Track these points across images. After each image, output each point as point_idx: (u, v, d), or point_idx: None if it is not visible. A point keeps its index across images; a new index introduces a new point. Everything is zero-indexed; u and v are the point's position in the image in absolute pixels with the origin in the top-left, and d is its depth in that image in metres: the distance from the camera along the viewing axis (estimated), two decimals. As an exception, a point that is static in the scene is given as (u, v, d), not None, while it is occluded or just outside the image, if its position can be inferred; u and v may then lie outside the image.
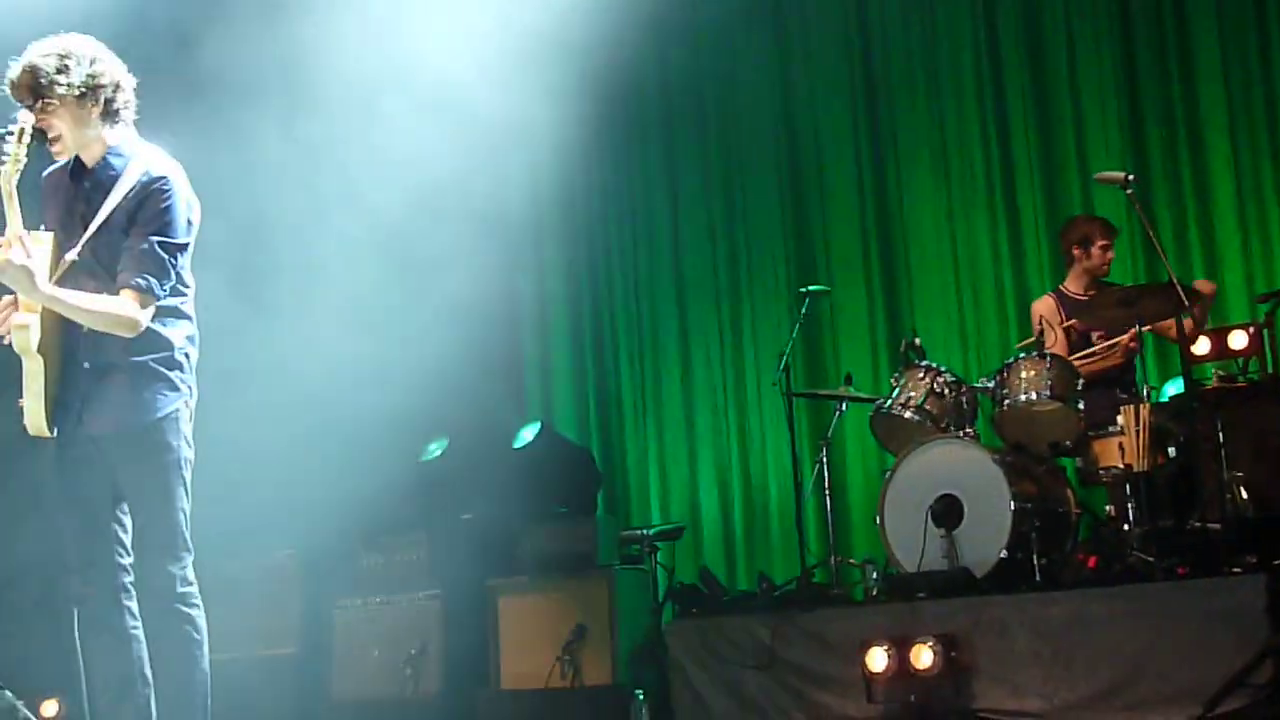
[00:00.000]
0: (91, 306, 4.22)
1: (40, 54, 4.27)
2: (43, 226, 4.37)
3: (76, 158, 4.43)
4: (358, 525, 8.24)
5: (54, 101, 4.25)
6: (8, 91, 4.27)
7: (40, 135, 4.26)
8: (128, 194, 4.32)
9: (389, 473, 8.37)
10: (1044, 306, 7.21)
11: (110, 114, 4.37)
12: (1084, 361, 6.91)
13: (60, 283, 4.22)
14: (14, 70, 4.27)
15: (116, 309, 4.22)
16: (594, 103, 9.19)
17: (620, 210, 9.18)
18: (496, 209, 9.10)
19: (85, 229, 4.30)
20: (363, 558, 8.10)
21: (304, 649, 8.06)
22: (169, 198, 4.32)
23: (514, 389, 9.22)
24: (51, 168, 4.51)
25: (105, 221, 4.31)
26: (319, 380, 7.87)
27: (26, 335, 4.21)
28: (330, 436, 7.95)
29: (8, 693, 3.23)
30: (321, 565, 8.27)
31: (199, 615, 4.33)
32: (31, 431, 4.31)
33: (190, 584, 4.32)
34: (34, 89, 4.24)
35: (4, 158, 4.09)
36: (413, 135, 7.67)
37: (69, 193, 4.43)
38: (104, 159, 4.39)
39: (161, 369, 4.35)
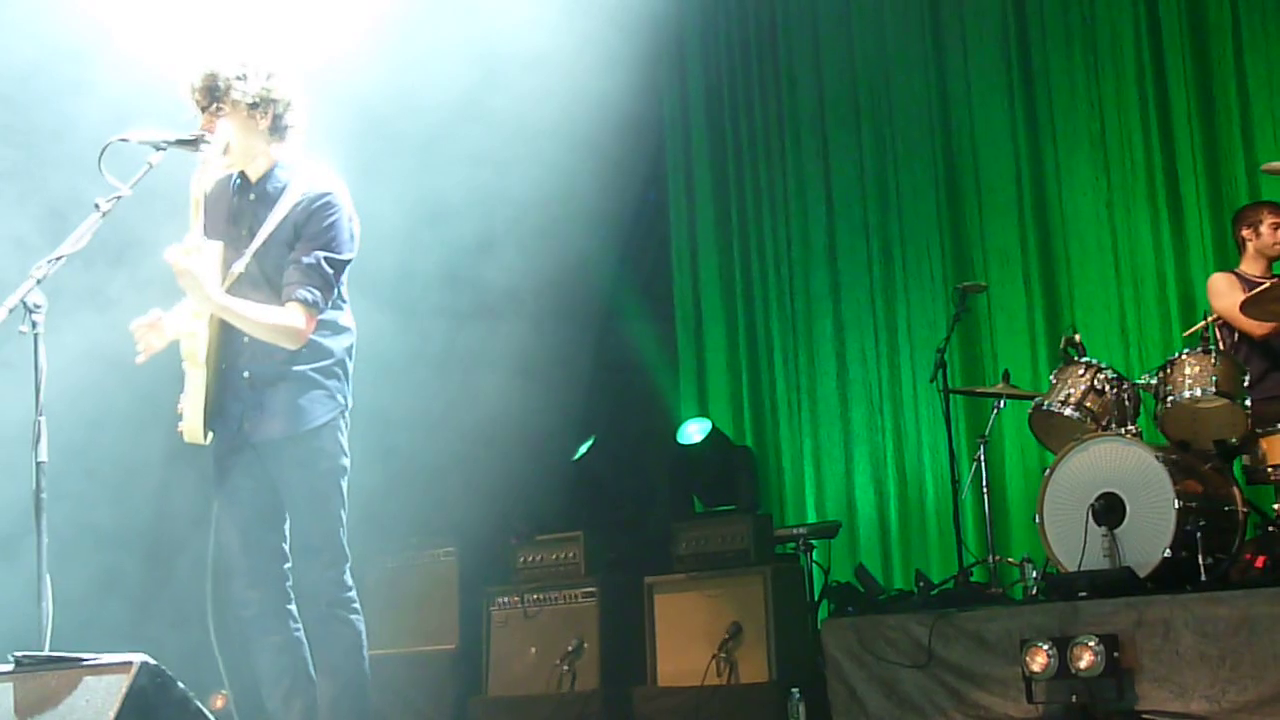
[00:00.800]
0: (259, 317, 4.33)
1: (220, 61, 4.41)
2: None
3: (241, 171, 4.54)
4: (514, 524, 8.36)
5: (226, 106, 4.38)
6: (187, 94, 4.41)
7: (196, 144, 4.39)
8: (293, 209, 4.42)
9: (545, 471, 8.50)
10: (1222, 278, 7.08)
11: (279, 129, 4.50)
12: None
13: (227, 293, 4.34)
14: (194, 73, 4.42)
15: (283, 320, 4.33)
16: (745, 98, 9.25)
17: (774, 207, 9.17)
18: (650, 207, 9.21)
19: (250, 242, 4.41)
20: (519, 556, 8.20)
21: (462, 646, 8.18)
22: (334, 214, 4.43)
23: (669, 387, 9.26)
24: (214, 181, 4.61)
25: (270, 236, 4.41)
26: (473, 379, 8.00)
27: (195, 343, 4.34)
28: (487, 436, 8.07)
29: (180, 684, 3.35)
30: (479, 563, 8.39)
31: (357, 619, 4.42)
32: (187, 438, 4.41)
33: (349, 589, 4.41)
34: (211, 91, 4.38)
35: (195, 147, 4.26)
36: (561, 136, 7.76)
37: (233, 206, 4.54)
38: (269, 173, 4.51)
39: (321, 378, 4.46)
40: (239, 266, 4.39)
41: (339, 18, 6.46)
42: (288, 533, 4.51)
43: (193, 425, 4.38)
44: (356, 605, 4.42)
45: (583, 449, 8.58)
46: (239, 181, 4.56)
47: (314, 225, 4.41)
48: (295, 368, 4.42)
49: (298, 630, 4.49)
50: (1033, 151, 8.43)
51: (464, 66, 7.08)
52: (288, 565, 4.50)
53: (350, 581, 4.41)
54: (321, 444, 4.42)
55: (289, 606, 4.51)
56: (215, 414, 4.41)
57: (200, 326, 4.36)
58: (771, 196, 9.19)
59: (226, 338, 4.42)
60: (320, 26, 6.27)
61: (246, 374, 4.43)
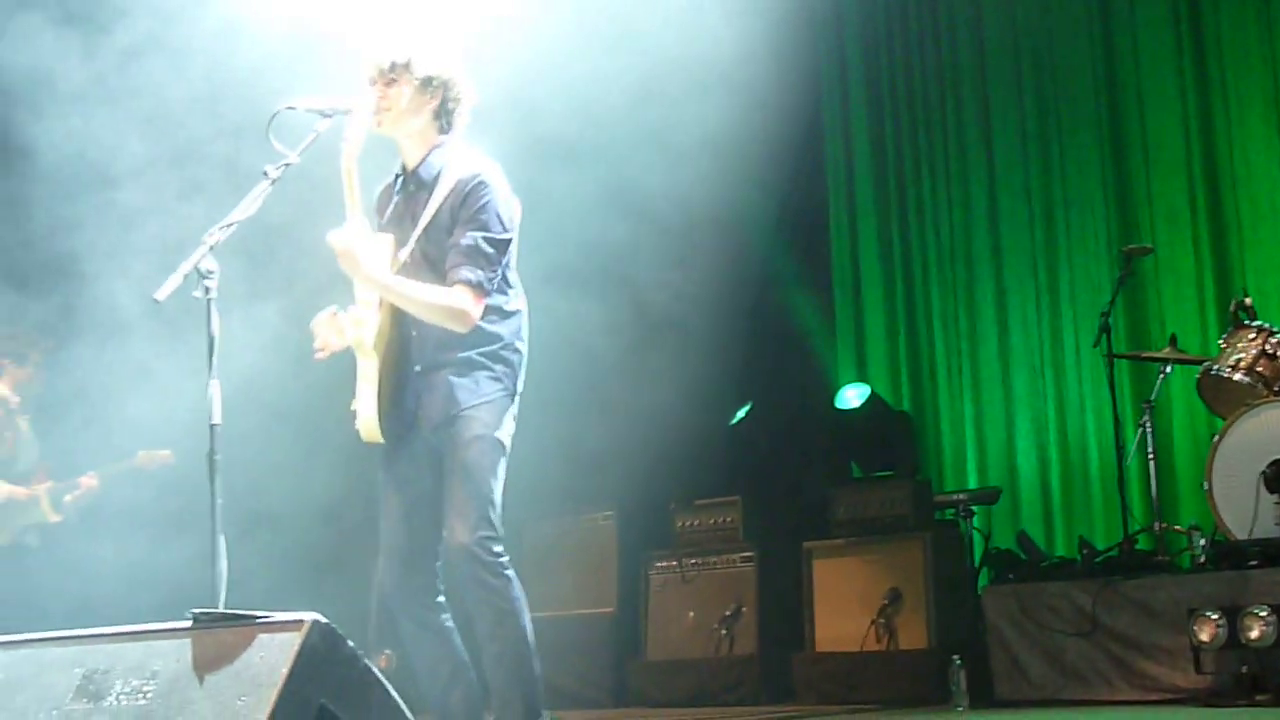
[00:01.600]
0: (424, 297, 4.34)
1: (401, 40, 4.46)
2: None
3: (402, 166, 4.57)
4: (672, 488, 8.38)
5: (400, 77, 4.41)
6: (363, 67, 4.45)
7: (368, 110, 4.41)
8: (449, 194, 4.43)
9: (703, 437, 8.51)
10: None
11: (444, 114, 4.51)
12: None
13: None
14: (373, 44, 4.47)
15: (449, 300, 4.33)
16: (904, 58, 9.11)
17: (934, 170, 9.02)
18: (806, 170, 9.13)
19: (413, 229, 4.44)
20: (677, 520, 8.22)
21: (620, 610, 8.24)
22: (487, 194, 4.41)
23: (826, 352, 9.20)
24: (380, 186, 4.67)
25: (431, 221, 4.43)
26: (631, 346, 8.03)
27: (363, 331, 4.34)
28: (645, 401, 8.10)
29: (350, 642, 3.41)
30: (637, 528, 8.44)
31: (506, 583, 4.35)
32: (364, 437, 4.40)
33: (497, 555, 4.35)
34: (389, 60, 4.41)
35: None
36: (717, 105, 7.73)
37: (395, 198, 4.58)
38: (426, 160, 4.51)
39: (487, 362, 4.45)
40: (404, 254, 4.42)
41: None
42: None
43: (368, 423, 4.37)
44: (509, 571, 4.38)
45: (740, 414, 8.58)
46: (401, 176, 4.59)
47: (469, 208, 4.40)
48: (461, 354, 4.43)
49: (448, 620, 4.52)
50: (1202, 110, 8.17)
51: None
52: (439, 561, 4.51)
53: (500, 550, 4.36)
54: (480, 416, 4.41)
55: (439, 599, 4.52)
56: (390, 410, 4.41)
57: (369, 314, 4.36)
58: (931, 159, 9.04)
59: (397, 333, 4.42)
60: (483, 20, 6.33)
61: (418, 368, 4.44)
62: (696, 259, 8.32)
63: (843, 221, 9.35)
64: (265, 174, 4.19)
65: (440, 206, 4.43)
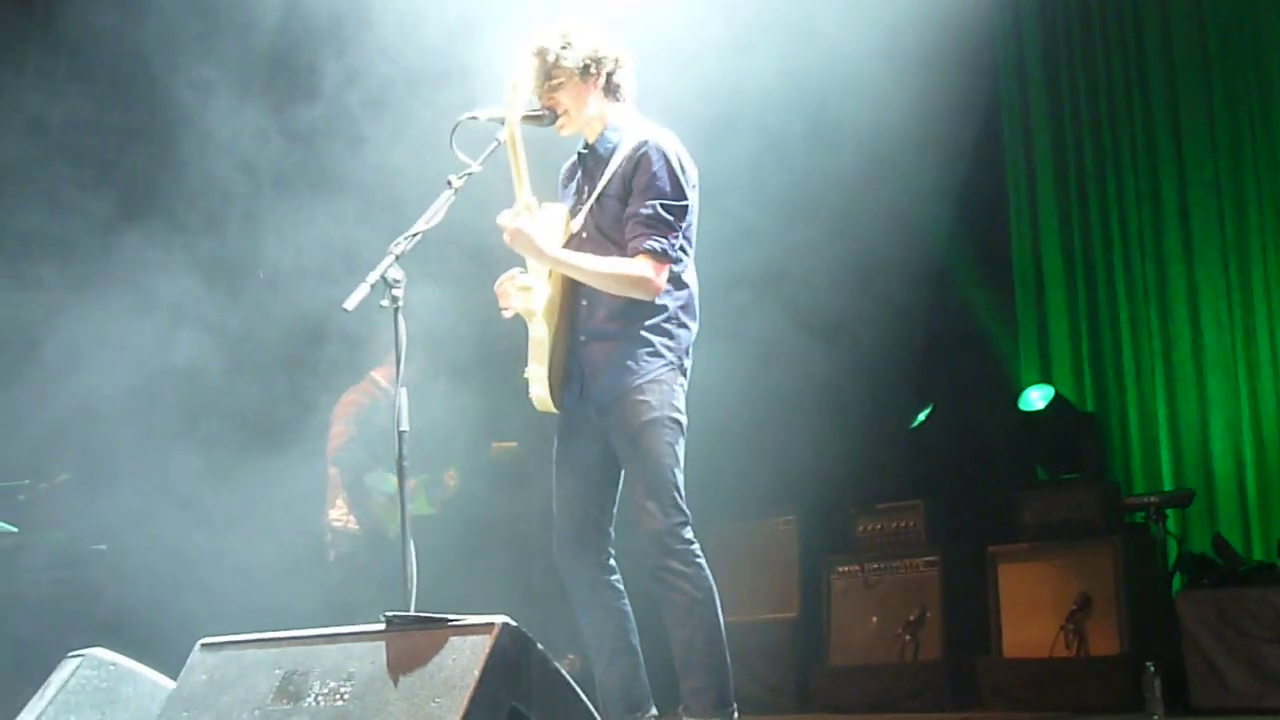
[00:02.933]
0: (603, 269, 4.35)
1: (544, 36, 4.48)
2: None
3: (584, 142, 4.60)
4: (853, 492, 8.31)
5: (560, 79, 4.45)
6: (519, 79, 4.45)
7: (542, 120, 4.48)
8: (622, 162, 4.44)
9: (883, 440, 8.43)
10: None
11: (611, 89, 4.54)
12: None
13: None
14: (523, 55, 4.49)
15: (631, 270, 4.34)
16: (1086, 50, 8.89)
17: (1119, 165, 8.75)
18: (984, 166, 8.97)
19: (586, 202, 4.47)
20: (858, 524, 8.15)
21: (803, 614, 8.19)
22: (659, 161, 4.41)
23: (1009, 353, 9.02)
24: (566, 163, 4.71)
25: (603, 190, 4.45)
26: (809, 348, 7.98)
27: (530, 297, 4.37)
28: (824, 404, 8.05)
29: (539, 645, 3.44)
30: (818, 531, 8.39)
31: (695, 571, 4.31)
32: (538, 407, 4.43)
33: (687, 541, 4.32)
34: (542, 67, 4.44)
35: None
36: (891, 98, 7.64)
37: (576, 172, 4.63)
38: (602, 134, 4.54)
39: (651, 335, 4.43)
40: (575, 225, 4.46)
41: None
42: (617, 501, 4.53)
43: (540, 392, 4.40)
44: (700, 559, 4.33)
45: (921, 416, 8.48)
46: (582, 151, 4.62)
47: (642, 175, 4.40)
48: (626, 326, 4.42)
49: (621, 602, 4.51)
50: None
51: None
52: (612, 537, 4.52)
53: (691, 535, 4.33)
54: (648, 398, 4.38)
55: (611, 578, 4.52)
56: (562, 381, 4.44)
57: (537, 281, 4.39)
58: (1116, 154, 8.75)
59: (568, 302, 4.44)
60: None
61: (583, 338, 4.45)
62: (876, 259, 8.23)
63: (1024, 218, 9.12)
64: (449, 183, 4.23)
65: (612, 176, 4.45)
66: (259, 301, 7.31)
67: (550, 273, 4.41)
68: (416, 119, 6.46)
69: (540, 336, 4.40)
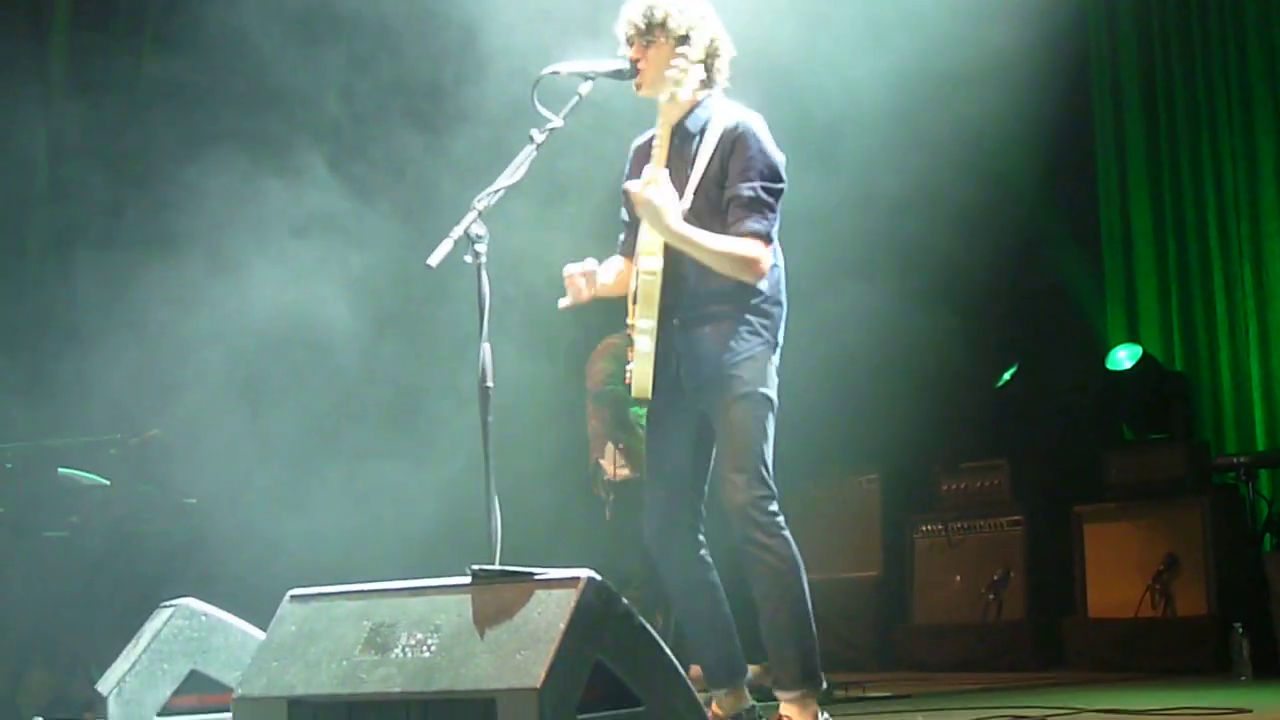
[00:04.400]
0: (721, 247, 4.30)
1: None
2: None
3: (664, 119, 4.48)
4: (937, 451, 8.27)
5: (655, 38, 4.40)
6: (619, 28, 4.46)
7: (625, 74, 4.43)
8: (719, 144, 4.40)
9: (968, 399, 8.36)
10: None
11: (705, 69, 4.45)
12: None
13: None
14: (630, 6, 4.46)
15: (744, 250, 4.31)
16: (1180, 4, 8.70)
17: (1214, 122, 8.49)
18: (1073, 124, 8.83)
19: (685, 182, 4.40)
20: (942, 483, 8.10)
21: (885, 573, 8.17)
22: (758, 143, 4.39)
23: (1096, 312, 8.90)
24: (639, 140, 4.66)
25: (704, 174, 4.40)
26: (896, 307, 7.92)
27: (653, 287, 4.34)
28: (910, 362, 8.00)
29: (624, 600, 3.44)
30: (901, 490, 8.36)
31: (780, 544, 4.31)
32: (635, 393, 4.40)
33: (773, 514, 4.32)
34: (647, 20, 4.39)
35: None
36: (981, 58, 7.54)
37: (652, 151, 4.48)
38: (691, 114, 4.48)
39: (749, 316, 4.41)
40: (684, 204, 4.38)
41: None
42: (708, 480, 4.53)
43: (643, 380, 4.37)
44: (785, 531, 4.33)
45: (1006, 376, 8.40)
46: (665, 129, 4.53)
47: (740, 157, 4.37)
48: (721, 307, 4.41)
49: (711, 575, 4.52)
50: None
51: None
52: (703, 514, 4.53)
53: (775, 509, 4.32)
54: (742, 373, 4.37)
55: (701, 552, 4.53)
56: (657, 365, 4.41)
57: (658, 265, 4.35)
58: (1212, 110, 8.49)
59: (668, 284, 4.41)
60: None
61: (676, 321, 4.42)
62: (962, 217, 8.13)
63: (1111, 175, 8.93)
64: (531, 138, 4.20)
65: (710, 158, 4.40)
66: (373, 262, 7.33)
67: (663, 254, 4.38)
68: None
69: (648, 322, 4.36)
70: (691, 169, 4.42)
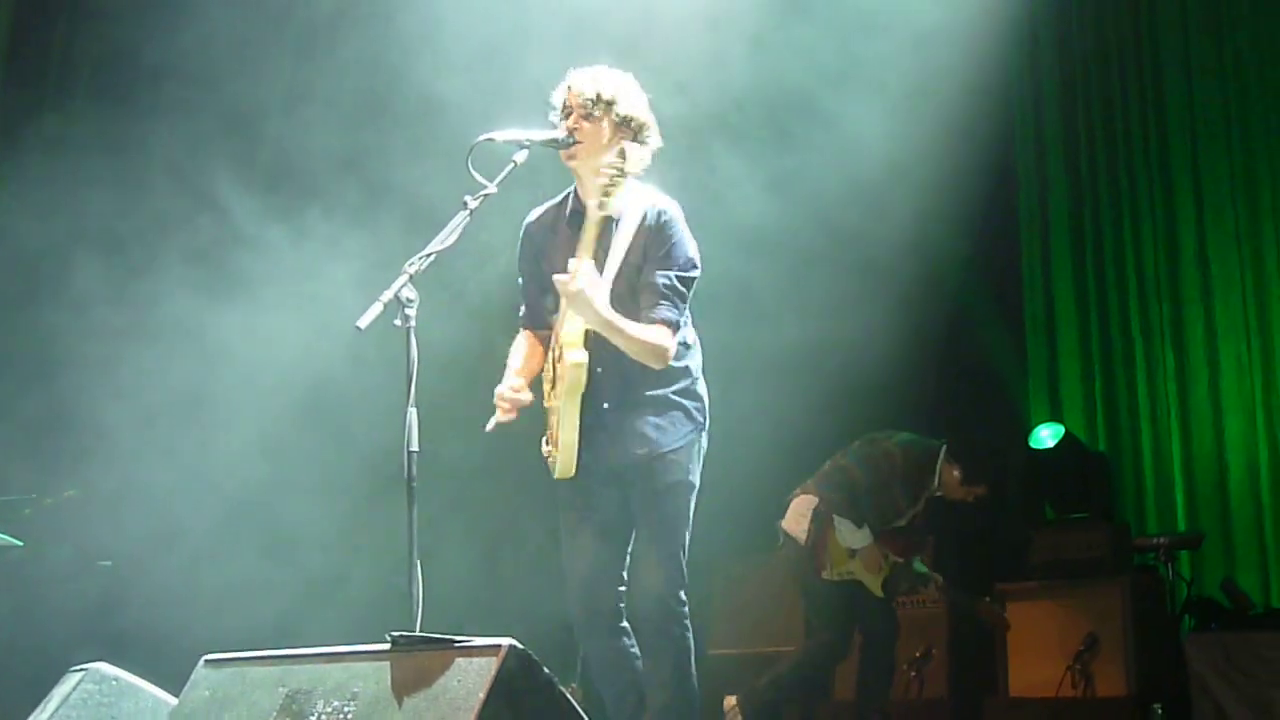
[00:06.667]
0: (640, 335, 4.34)
1: (604, 75, 4.49)
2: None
3: (574, 200, 4.57)
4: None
5: (599, 114, 4.44)
6: (560, 97, 4.50)
7: (562, 144, 4.44)
8: (638, 229, 4.44)
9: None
10: None
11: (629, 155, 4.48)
12: None
13: None
14: (578, 78, 4.50)
15: (654, 338, 4.36)
16: (1104, 93, 8.83)
17: (1136, 208, 8.60)
18: (999, 204, 8.92)
19: (602, 267, 4.39)
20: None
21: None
22: (677, 232, 4.47)
23: (1019, 391, 8.96)
24: (534, 216, 4.70)
25: (623, 259, 4.42)
26: (811, 381, 7.92)
27: (581, 373, 4.35)
28: (834, 434, 7.98)
29: (546, 670, 3.40)
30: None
31: (688, 634, 4.44)
32: (559, 474, 4.44)
33: (682, 604, 4.42)
34: (595, 94, 4.44)
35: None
36: (908, 134, 7.62)
37: (570, 234, 4.51)
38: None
39: (679, 398, 4.49)
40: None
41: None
42: (629, 555, 4.55)
43: (566, 461, 4.42)
44: (688, 620, 4.45)
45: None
46: (572, 211, 4.58)
47: (661, 245, 4.43)
48: (656, 391, 4.47)
49: (633, 646, 4.53)
50: None
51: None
52: (623, 587, 4.55)
53: (685, 598, 4.43)
54: (679, 461, 4.46)
55: (626, 641, 4.55)
56: (584, 448, 4.44)
57: (583, 356, 4.36)
58: (1134, 197, 8.62)
59: (593, 370, 4.44)
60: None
61: (606, 405, 4.45)
62: (887, 293, 8.17)
63: (1035, 256, 9.03)
64: (464, 204, 4.22)
65: (630, 244, 4.43)
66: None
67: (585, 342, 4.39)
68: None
69: (573, 410, 4.38)
70: (609, 254, 4.42)
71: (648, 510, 4.45)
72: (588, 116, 4.44)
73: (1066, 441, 8.11)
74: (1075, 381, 8.80)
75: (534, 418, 4.58)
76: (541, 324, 4.67)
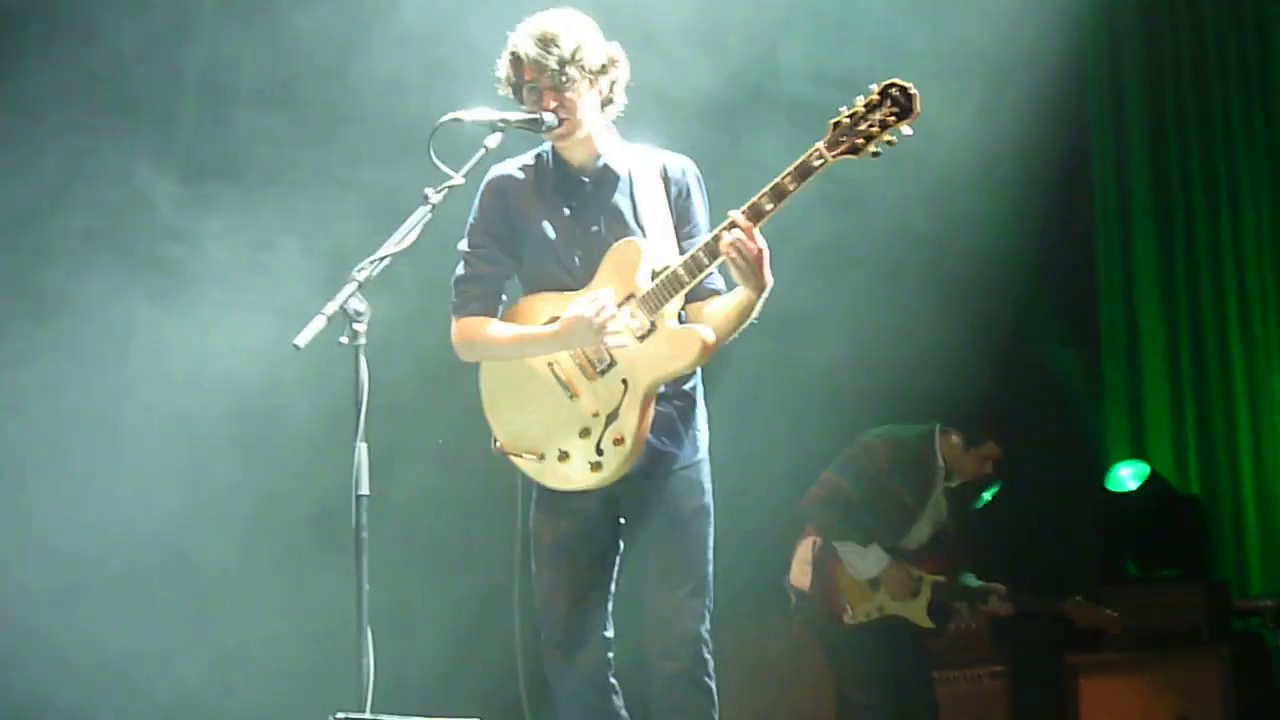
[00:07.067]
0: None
1: (550, 29, 4.38)
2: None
3: (554, 159, 4.57)
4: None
5: (572, 78, 4.36)
6: (512, 72, 4.43)
7: (541, 124, 4.38)
8: (673, 190, 4.53)
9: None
10: None
11: (607, 103, 4.50)
12: None
13: None
14: (524, 44, 4.40)
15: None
16: (1196, 73, 8.84)
17: (1235, 202, 8.56)
18: (1071, 198, 8.92)
19: (624, 230, 4.46)
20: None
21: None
22: (701, 189, 4.57)
23: (1094, 422, 8.95)
24: (506, 170, 4.63)
25: (664, 220, 4.50)
26: (870, 407, 7.96)
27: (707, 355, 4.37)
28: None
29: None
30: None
31: (711, 688, 4.47)
32: (583, 483, 4.45)
33: (710, 648, 4.46)
34: (557, 70, 4.34)
35: None
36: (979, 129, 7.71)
37: (557, 200, 4.55)
38: (606, 152, 4.53)
39: (702, 402, 4.58)
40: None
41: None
42: (647, 598, 4.55)
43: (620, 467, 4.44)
44: (712, 670, 4.48)
45: (985, 496, 8.32)
46: (558, 174, 4.57)
47: (699, 204, 4.56)
48: (671, 387, 4.51)
49: (621, 707, 4.57)
50: None
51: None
52: (609, 633, 4.56)
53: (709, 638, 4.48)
54: (703, 481, 4.55)
55: (612, 680, 4.57)
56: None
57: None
58: (1233, 188, 8.64)
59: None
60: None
61: None
62: (935, 304, 8.26)
63: (1114, 262, 9.03)
64: (425, 198, 4.17)
65: (668, 207, 4.51)
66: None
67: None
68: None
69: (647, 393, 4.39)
70: (641, 216, 4.47)
71: (671, 533, 4.48)
72: (559, 88, 4.37)
73: (1151, 483, 8.13)
74: (1162, 410, 8.78)
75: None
76: (495, 307, 4.60)
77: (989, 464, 6.92)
